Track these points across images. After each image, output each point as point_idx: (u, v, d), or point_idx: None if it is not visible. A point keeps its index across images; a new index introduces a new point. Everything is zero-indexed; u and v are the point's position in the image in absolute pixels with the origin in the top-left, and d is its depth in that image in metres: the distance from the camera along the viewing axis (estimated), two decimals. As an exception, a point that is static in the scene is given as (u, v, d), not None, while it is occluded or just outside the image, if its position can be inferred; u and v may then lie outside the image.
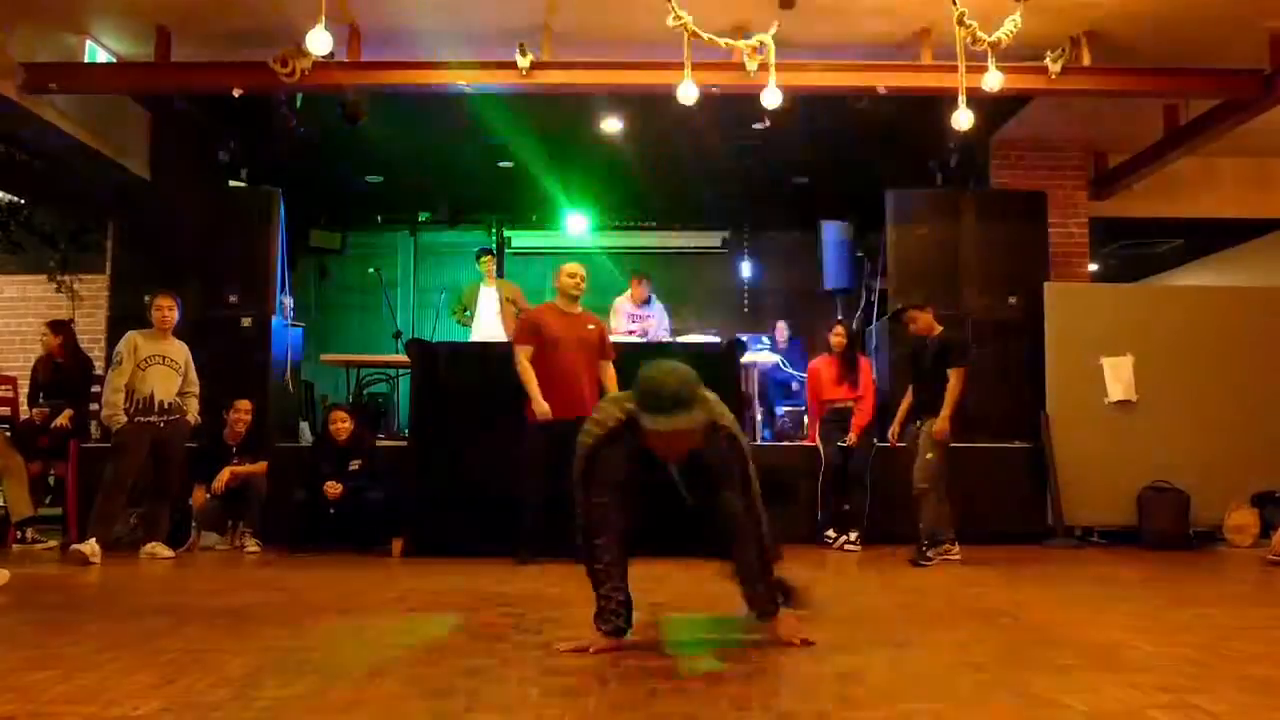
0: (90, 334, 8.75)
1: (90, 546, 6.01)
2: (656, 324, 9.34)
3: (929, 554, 6.09)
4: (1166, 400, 7.69)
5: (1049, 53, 6.82)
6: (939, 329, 6.56)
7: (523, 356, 6.20)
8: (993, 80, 6.16)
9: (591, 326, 6.43)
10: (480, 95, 7.43)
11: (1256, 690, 2.71)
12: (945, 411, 6.20)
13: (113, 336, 7.58)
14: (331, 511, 6.74)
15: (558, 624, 3.76)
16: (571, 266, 6.49)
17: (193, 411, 6.66)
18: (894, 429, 6.72)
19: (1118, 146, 9.03)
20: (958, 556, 6.16)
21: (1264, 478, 7.40)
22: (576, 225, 11.53)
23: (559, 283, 6.47)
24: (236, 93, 7.01)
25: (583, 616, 3.92)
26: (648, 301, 9.46)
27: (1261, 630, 3.75)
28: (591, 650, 3.16)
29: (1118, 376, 7.77)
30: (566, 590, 4.74)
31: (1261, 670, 2.97)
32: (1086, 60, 6.99)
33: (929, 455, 6.22)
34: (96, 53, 7.29)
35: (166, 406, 6.51)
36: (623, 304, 9.35)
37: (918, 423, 6.38)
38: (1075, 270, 9.06)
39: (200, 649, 3.24)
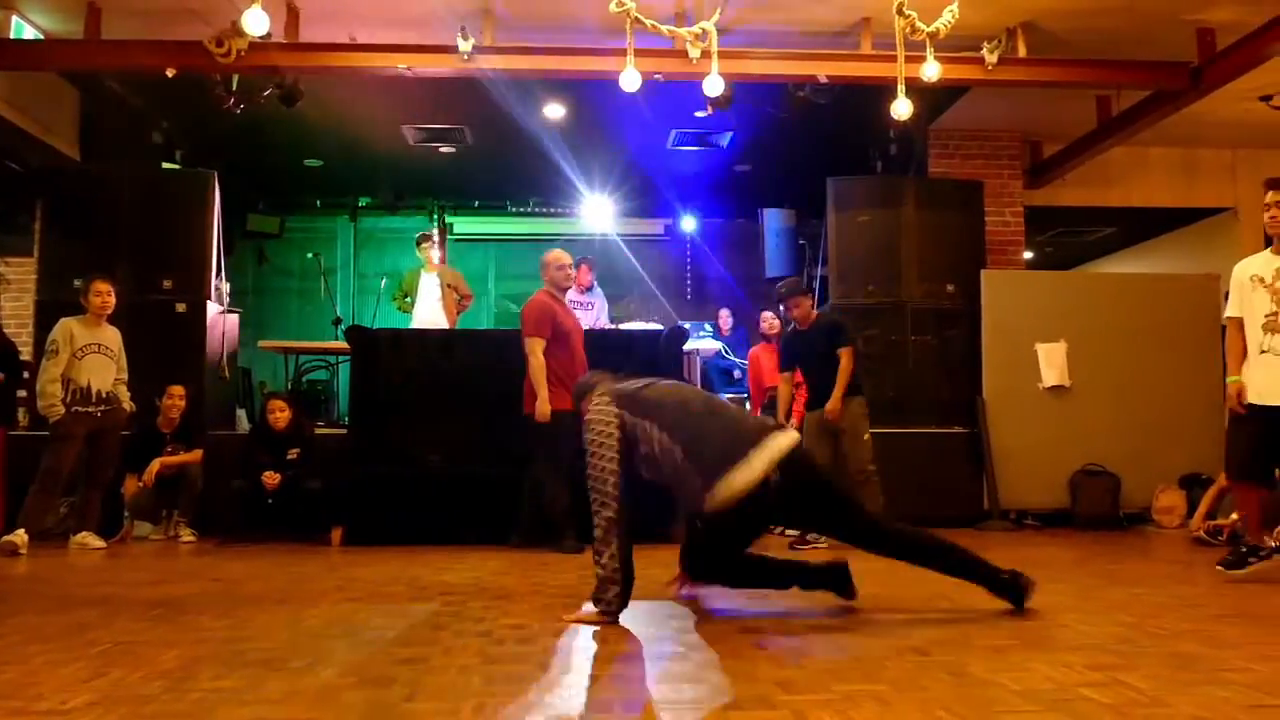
0: (17, 319, 8.53)
1: (20, 536, 5.89)
2: (597, 311, 9.32)
3: None
4: (1098, 385, 7.86)
5: (986, 44, 6.91)
6: (815, 315, 6.61)
7: (540, 350, 5.89)
8: (931, 70, 6.24)
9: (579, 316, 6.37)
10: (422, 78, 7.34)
11: (1183, 666, 2.78)
12: (837, 391, 6.29)
13: (41, 321, 7.40)
14: (269, 501, 6.66)
15: (499, 613, 3.75)
16: (562, 255, 6.22)
17: (126, 399, 6.51)
18: (792, 423, 6.59)
19: (1052, 136, 9.19)
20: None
21: (1191, 460, 7.59)
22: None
23: (550, 275, 6.18)
24: (170, 73, 6.85)
25: (525, 606, 3.93)
26: (590, 288, 9.43)
27: (1188, 608, 3.85)
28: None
29: (1051, 362, 7.92)
30: (509, 580, 4.73)
31: (1188, 646, 3.05)
32: (1022, 52, 7.10)
33: (865, 437, 6.32)
34: (23, 29, 7.08)
35: (104, 396, 6.35)
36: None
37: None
38: (1011, 258, 9.22)
39: (132, 640, 3.18)
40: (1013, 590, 3.66)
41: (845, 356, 6.34)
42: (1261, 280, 4.68)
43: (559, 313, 6.08)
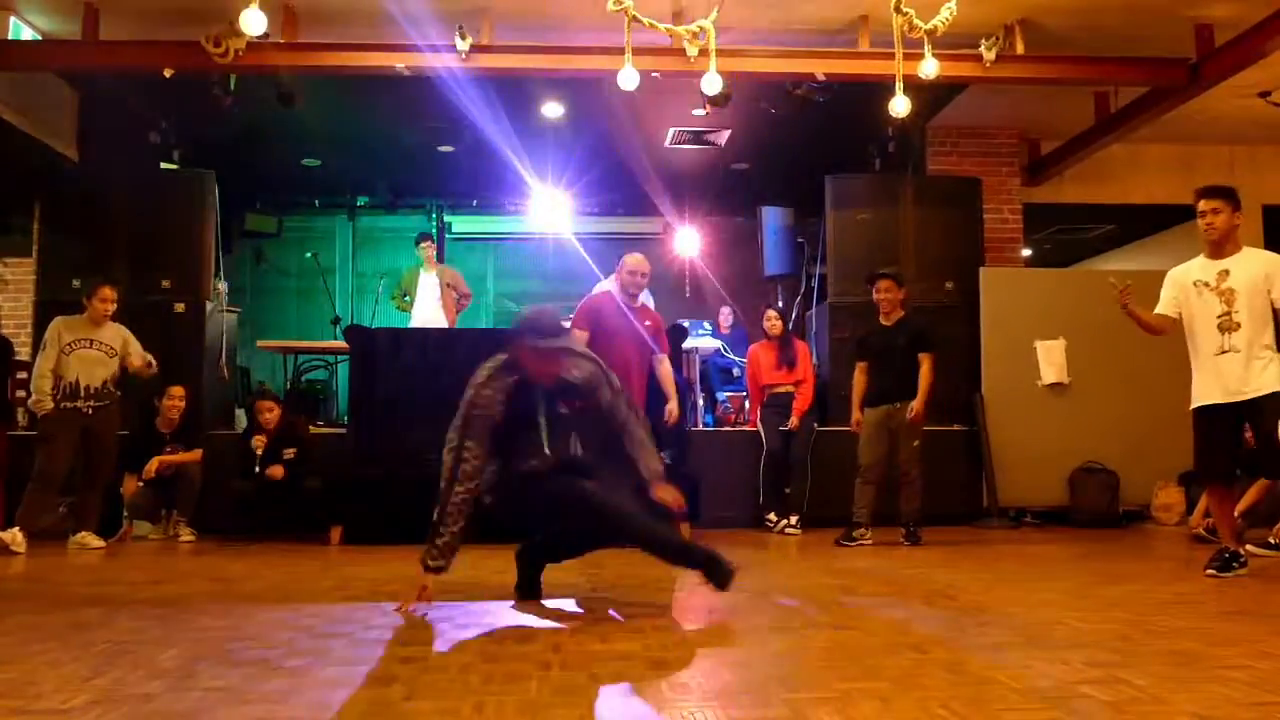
0: (16, 319, 8.53)
1: (13, 535, 5.90)
2: None
3: (919, 533, 6.28)
4: (1097, 383, 7.86)
5: (983, 41, 6.91)
6: (900, 314, 6.63)
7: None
8: (929, 67, 6.24)
9: (649, 323, 6.30)
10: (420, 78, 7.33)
11: (1181, 663, 2.78)
12: (922, 398, 6.36)
13: (40, 321, 7.41)
14: (266, 489, 6.66)
15: (500, 612, 3.75)
16: (635, 262, 6.20)
17: (140, 356, 6.51)
18: (856, 415, 6.61)
19: (1050, 133, 9.19)
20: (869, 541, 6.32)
21: (1190, 458, 7.55)
22: (534, 209, 11.37)
23: (621, 279, 6.23)
24: (168, 73, 6.85)
25: (524, 604, 3.93)
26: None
27: (1186, 605, 3.85)
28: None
29: (1050, 359, 7.92)
30: (508, 578, 4.72)
31: (1186, 644, 3.05)
32: (1020, 49, 7.10)
33: (915, 443, 6.38)
34: (21, 30, 7.08)
35: (93, 392, 6.35)
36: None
37: (896, 404, 6.41)
38: (1009, 255, 9.22)
39: (132, 640, 3.18)
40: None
41: (929, 361, 6.40)
42: (1206, 284, 4.81)
43: (605, 312, 6.16)
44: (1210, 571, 4.63)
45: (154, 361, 6.59)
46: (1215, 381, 4.75)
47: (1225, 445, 4.78)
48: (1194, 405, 4.88)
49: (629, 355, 6.11)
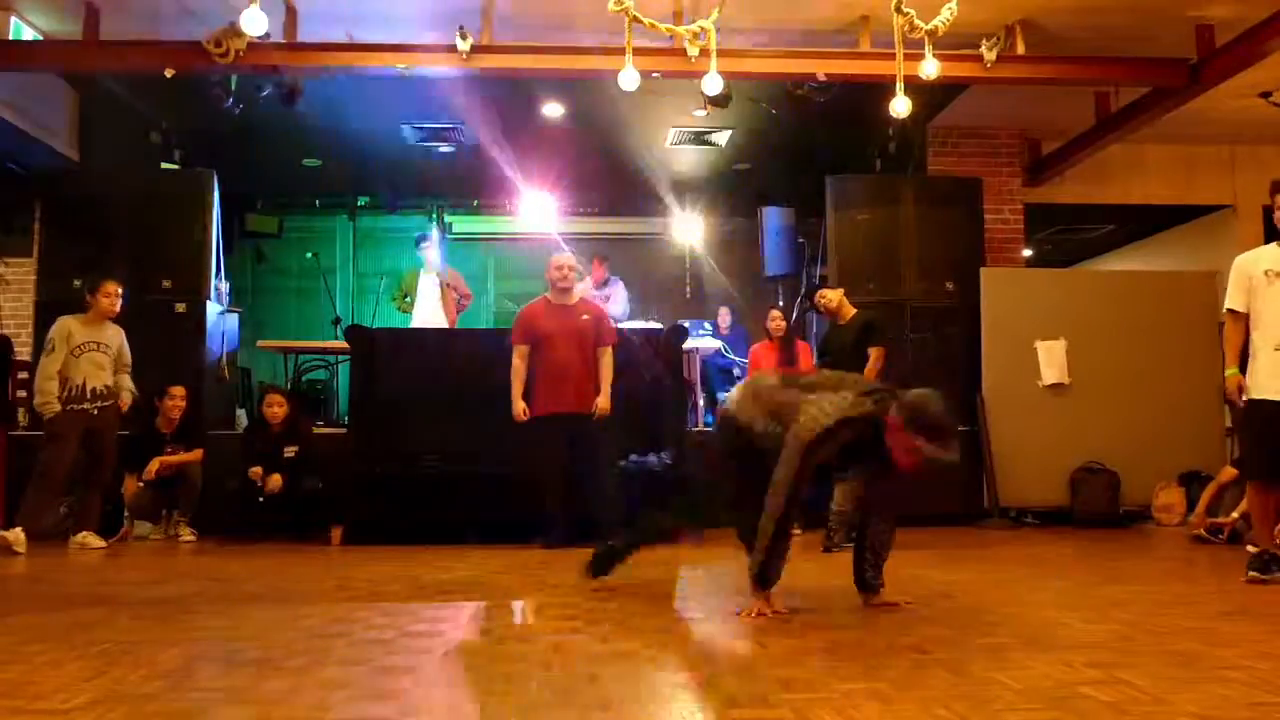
0: (17, 319, 8.53)
1: (15, 535, 5.90)
2: (613, 303, 9.31)
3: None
4: (1098, 383, 7.86)
5: (984, 41, 6.91)
6: (853, 311, 6.59)
7: (516, 357, 6.17)
8: (929, 68, 6.22)
9: (586, 316, 6.33)
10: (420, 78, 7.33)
11: (1181, 664, 2.78)
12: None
13: (40, 321, 7.40)
14: (260, 500, 6.64)
15: (500, 611, 3.75)
16: (558, 258, 6.42)
17: (127, 388, 6.50)
18: None
19: (1050, 133, 9.18)
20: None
21: (1191, 457, 7.60)
22: (534, 209, 11.33)
23: (548, 275, 6.40)
24: (168, 73, 6.85)
25: (525, 604, 3.92)
26: (606, 282, 9.50)
27: (1187, 605, 3.85)
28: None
29: (1051, 360, 7.92)
30: (509, 579, 4.73)
31: (1186, 644, 3.05)
32: (1021, 49, 7.09)
33: None
34: (22, 29, 7.07)
35: (100, 393, 6.35)
36: (583, 288, 9.30)
37: None
38: (1010, 255, 9.21)
39: (132, 640, 3.18)
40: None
41: (875, 355, 6.26)
42: (1278, 275, 4.56)
43: (538, 318, 6.27)
44: (1253, 575, 4.39)
45: (126, 399, 6.55)
46: (1275, 377, 4.52)
47: (1274, 444, 4.48)
48: (1249, 397, 4.58)
49: (567, 355, 6.18)
